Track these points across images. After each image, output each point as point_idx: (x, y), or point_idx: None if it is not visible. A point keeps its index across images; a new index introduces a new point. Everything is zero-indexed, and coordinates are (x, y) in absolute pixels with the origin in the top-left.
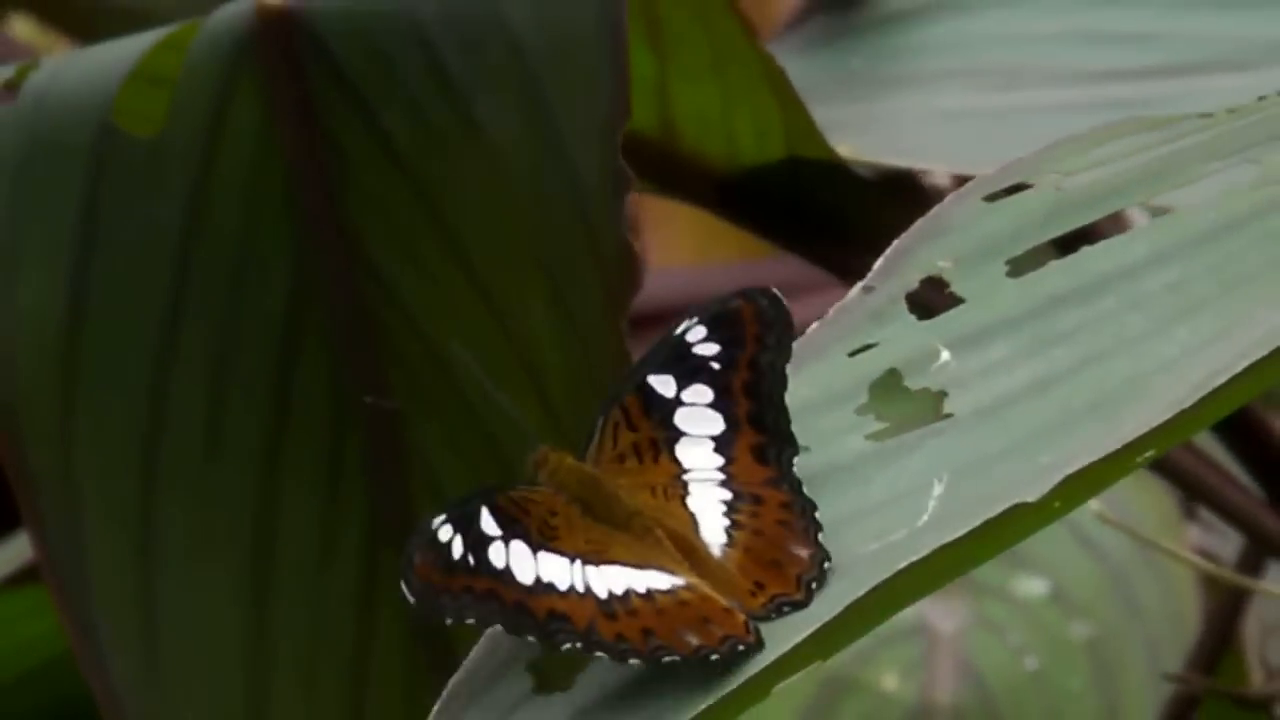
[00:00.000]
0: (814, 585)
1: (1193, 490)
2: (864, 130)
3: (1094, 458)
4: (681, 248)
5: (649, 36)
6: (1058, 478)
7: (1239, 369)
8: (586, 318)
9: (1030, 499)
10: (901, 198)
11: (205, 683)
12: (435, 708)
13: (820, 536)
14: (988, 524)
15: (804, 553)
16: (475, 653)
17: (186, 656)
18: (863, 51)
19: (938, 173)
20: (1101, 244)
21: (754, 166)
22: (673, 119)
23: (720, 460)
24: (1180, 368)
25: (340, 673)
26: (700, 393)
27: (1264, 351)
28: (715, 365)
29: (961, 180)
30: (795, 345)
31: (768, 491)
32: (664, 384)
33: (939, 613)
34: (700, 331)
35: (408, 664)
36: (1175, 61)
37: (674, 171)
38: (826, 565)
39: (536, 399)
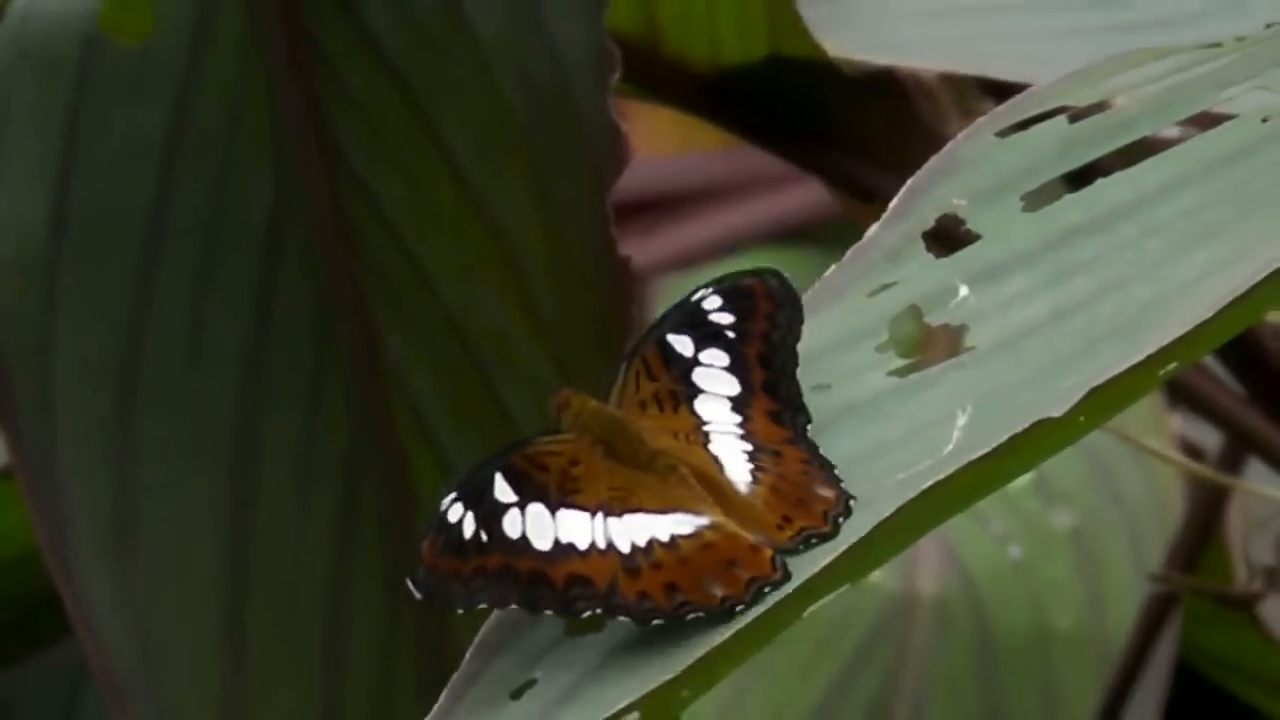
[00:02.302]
0: (840, 520)
1: (1173, 386)
2: (845, 27)
3: (1116, 371)
4: (663, 145)
5: None
6: (1081, 393)
7: (1259, 278)
8: (572, 203)
9: (1055, 414)
10: (881, 94)
11: (180, 597)
12: (467, 655)
13: (843, 488)
14: (1013, 440)
15: (829, 493)
16: None
17: (161, 570)
18: None
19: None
20: (1116, 175)
21: (736, 65)
22: (656, 18)
23: (738, 419)
24: (1199, 290)
25: (317, 593)
26: (716, 356)
27: None
28: (730, 334)
29: (944, 77)
30: (815, 286)
31: (787, 449)
32: (682, 343)
33: None
34: (715, 301)
35: (385, 586)
36: None
37: (656, 73)
38: (851, 503)
39: (518, 295)
